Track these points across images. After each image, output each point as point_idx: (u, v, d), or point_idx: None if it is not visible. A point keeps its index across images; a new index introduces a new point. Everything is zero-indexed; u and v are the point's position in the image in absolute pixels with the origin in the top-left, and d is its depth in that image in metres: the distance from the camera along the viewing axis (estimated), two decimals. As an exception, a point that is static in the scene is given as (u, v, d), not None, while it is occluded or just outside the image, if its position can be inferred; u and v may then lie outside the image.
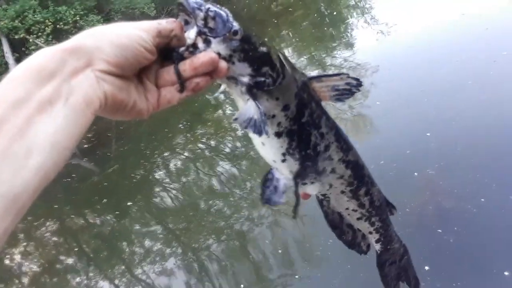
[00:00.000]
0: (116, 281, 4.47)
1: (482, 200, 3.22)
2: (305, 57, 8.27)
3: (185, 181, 5.90)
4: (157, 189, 5.93)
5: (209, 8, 0.60)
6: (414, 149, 3.99)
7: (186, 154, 6.60)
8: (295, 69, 0.71)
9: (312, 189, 0.81)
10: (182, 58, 0.59)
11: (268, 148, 0.73)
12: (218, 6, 0.62)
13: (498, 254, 2.81)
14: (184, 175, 6.04)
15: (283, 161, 0.74)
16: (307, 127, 0.72)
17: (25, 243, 5.49)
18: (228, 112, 7.35)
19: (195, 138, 7.04)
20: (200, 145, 6.75)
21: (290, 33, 10.12)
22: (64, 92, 0.46)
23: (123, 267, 4.69)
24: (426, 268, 2.80)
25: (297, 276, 3.40)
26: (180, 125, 7.80)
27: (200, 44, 0.59)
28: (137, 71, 0.55)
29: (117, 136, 7.60)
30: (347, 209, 0.89)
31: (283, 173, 0.77)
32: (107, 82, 0.50)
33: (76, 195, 6.17)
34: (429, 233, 3.02)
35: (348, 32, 8.96)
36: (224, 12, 0.61)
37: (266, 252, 3.79)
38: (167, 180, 6.13)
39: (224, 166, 5.69)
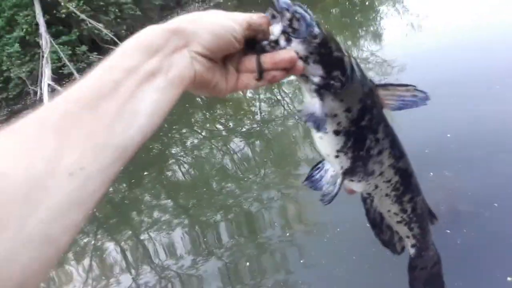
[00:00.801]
0: (123, 244, 4.60)
1: (495, 205, 3.19)
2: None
3: (199, 157, 5.96)
4: (171, 164, 6.01)
5: (296, 10, 0.65)
6: (433, 149, 3.95)
7: (204, 132, 6.65)
8: (364, 75, 0.75)
9: (358, 187, 0.86)
10: (263, 50, 0.65)
11: (325, 143, 0.78)
12: (304, 8, 0.67)
13: (503, 259, 2.80)
14: (199, 152, 6.10)
15: (336, 157, 0.79)
16: (364, 130, 0.77)
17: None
18: (249, 95, 7.34)
19: (214, 118, 7.08)
20: (218, 124, 6.79)
21: (320, 20, 9.97)
22: (165, 66, 0.53)
23: (130, 232, 4.81)
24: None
25: (302, 261, 3.44)
26: (200, 101, 7.84)
27: (282, 42, 0.65)
28: (223, 56, 0.62)
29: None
30: (389, 211, 0.93)
31: (334, 167, 0.83)
32: (199, 62, 0.57)
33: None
34: (437, 232, 2.97)
35: (378, 24, 8.79)
36: (308, 15, 0.66)
37: (272, 234, 3.84)
38: (183, 155, 6.21)
39: (240, 147, 5.72)
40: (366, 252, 3.09)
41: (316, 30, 0.66)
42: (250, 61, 0.65)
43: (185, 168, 5.93)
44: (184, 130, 6.94)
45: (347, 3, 11.15)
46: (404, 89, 0.76)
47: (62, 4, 10.95)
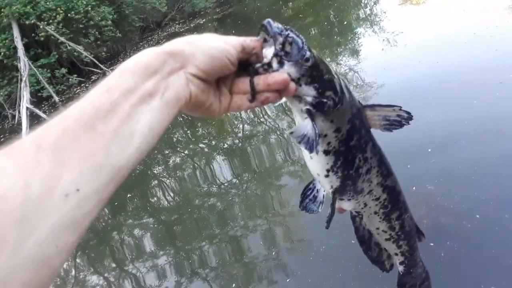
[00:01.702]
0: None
1: (477, 216, 3.24)
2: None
3: (182, 176, 5.91)
4: (155, 185, 5.94)
5: (288, 34, 0.68)
6: (414, 163, 4.01)
7: (186, 151, 6.60)
8: (353, 96, 0.78)
9: (348, 205, 0.88)
10: (257, 73, 0.66)
11: (315, 163, 0.81)
12: (296, 33, 0.69)
13: (487, 270, 2.84)
14: (182, 171, 6.05)
15: (326, 176, 0.81)
16: (353, 150, 0.79)
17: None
18: (230, 114, 7.35)
19: (196, 137, 7.06)
20: (200, 142, 6.76)
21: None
22: (161, 88, 0.54)
23: (113, 257, 4.70)
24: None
25: (288, 280, 3.41)
26: (181, 119, 7.82)
27: (275, 64, 0.67)
28: (217, 78, 0.64)
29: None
30: (377, 228, 0.95)
31: (324, 186, 0.85)
32: (194, 84, 0.59)
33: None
34: (421, 246, 3.03)
35: (356, 42, 8.98)
36: (300, 40, 0.69)
37: (258, 253, 3.80)
38: (166, 175, 6.14)
39: (222, 165, 5.70)
40: (352, 269, 3.09)
41: (308, 53, 0.68)
42: (243, 83, 0.67)
43: (168, 188, 5.86)
44: (166, 151, 6.89)
45: (325, 23, 11.39)
46: (390, 110, 0.79)
47: (41, 27, 10.89)
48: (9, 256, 0.38)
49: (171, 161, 6.49)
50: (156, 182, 6.02)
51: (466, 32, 6.67)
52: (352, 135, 0.78)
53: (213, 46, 0.61)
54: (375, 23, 9.87)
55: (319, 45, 9.51)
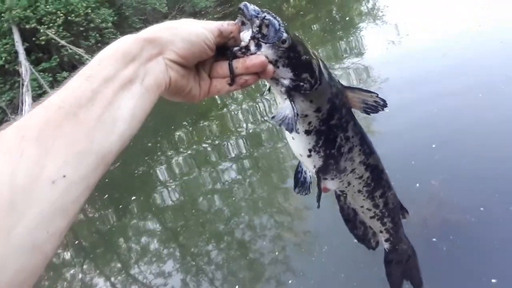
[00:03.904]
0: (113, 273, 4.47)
1: (482, 209, 3.22)
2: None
3: (186, 177, 5.89)
4: (159, 187, 5.92)
5: (265, 16, 0.69)
6: (418, 160, 3.96)
7: (190, 152, 6.58)
8: (332, 77, 0.79)
9: (332, 184, 0.90)
10: (235, 56, 0.67)
11: (297, 143, 0.82)
12: (273, 15, 0.70)
13: (489, 262, 2.82)
14: (187, 173, 6.03)
15: (309, 156, 0.83)
16: (334, 129, 0.81)
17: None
18: (233, 113, 7.33)
19: (200, 136, 7.03)
20: (204, 143, 6.74)
21: (301, 36, 10.08)
22: (141, 74, 0.55)
23: (119, 260, 4.69)
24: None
25: (290, 282, 3.38)
26: (185, 122, 7.80)
27: (252, 47, 0.68)
28: (196, 63, 0.65)
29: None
30: (361, 207, 0.97)
31: (308, 167, 0.87)
32: (173, 69, 0.60)
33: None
34: (424, 242, 3.05)
35: (359, 39, 8.91)
36: (277, 21, 0.70)
37: (261, 254, 3.78)
38: (170, 177, 6.12)
39: (228, 165, 5.67)
40: (354, 269, 3.07)
41: (285, 35, 0.69)
42: (222, 67, 0.68)
43: (172, 190, 5.83)
44: (170, 152, 6.87)
45: (327, 19, 11.32)
46: (368, 95, 0.81)
47: (41, 31, 10.89)
48: (0, 243, 0.39)
49: (173, 161, 6.46)
50: (159, 183, 6.00)
51: (471, 24, 6.59)
52: (333, 114, 0.79)
53: (191, 31, 0.61)
54: (378, 17, 9.80)
55: (322, 41, 9.45)
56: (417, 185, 3.61)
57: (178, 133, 7.44)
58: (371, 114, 0.82)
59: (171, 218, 5.26)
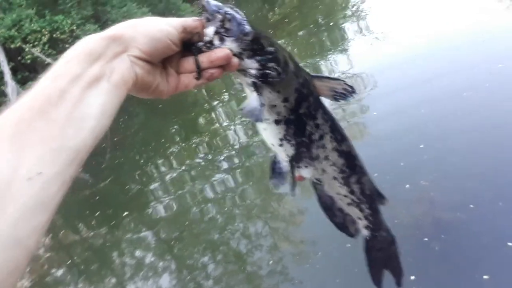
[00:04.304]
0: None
1: (471, 206, 3.26)
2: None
3: (179, 192, 5.86)
4: (151, 201, 5.88)
5: (226, 11, 0.70)
6: (407, 161, 3.99)
7: (182, 166, 6.55)
8: (299, 67, 0.80)
9: (306, 172, 0.91)
10: (200, 51, 0.69)
11: (268, 133, 0.84)
12: (235, 9, 0.72)
13: (480, 259, 2.85)
14: (179, 186, 6.00)
15: (280, 145, 0.85)
16: (303, 117, 0.82)
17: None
18: (224, 124, 7.33)
19: (191, 150, 7.02)
20: (196, 156, 6.72)
21: (287, 43, 10.14)
22: (107, 72, 0.56)
23: (113, 277, 4.64)
24: (412, 277, 2.82)
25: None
26: (176, 135, 7.78)
27: (216, 41, 0.70)
28: (162, 59, 0.66)
29: (112, 147, 7.56)
30: (338, 194, 0.97)
31: (281, 156, 0.88)
32: (139, 66, 0.61)
33: (69, 207, 6.11)
34: (416, 243, 3.07)
35: (345, 42, 8.99)
36: (239, 15, 0.71)
37: (255, 264, 3.76)
38: (162, 191, 6.09)
39: (220, 176, 5.65)
40: (349, 274, 3.06)
41: (247, 28, 0.71)
42: (189, 62, 0.70)
43: (165, 204, 5.80)
44: (162, 166, 6.83)
45: (311, 26, 11.40)
46: (336, 82, 0.83)
47: (27, 50, 10.85)
48: None
49: (165, 175, 6.43)
50: (151, 198, 5.96)
51: (453, 24, 6.69)
52: (301, 103, 0.80)
53: (154, 28, 0.63)
54: (363, 21, 9.90)
55: (309, 48, 9.52)
56: (407, 186, 3.64)
57: (169, 146, 7.42)
58: (341, 101, 0.84)
59: (164, 231, 5.22)
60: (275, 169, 0.90)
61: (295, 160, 0.87)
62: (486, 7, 6.86)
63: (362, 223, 1.04)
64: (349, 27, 9.93)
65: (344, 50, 8.54)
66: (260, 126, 0.84)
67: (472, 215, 3.18)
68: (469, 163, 3.70)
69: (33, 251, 0.45)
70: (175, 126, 8.05)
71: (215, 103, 8.18)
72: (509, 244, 2.85)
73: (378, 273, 1.11)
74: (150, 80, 0.64)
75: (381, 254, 1.11)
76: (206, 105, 8.53)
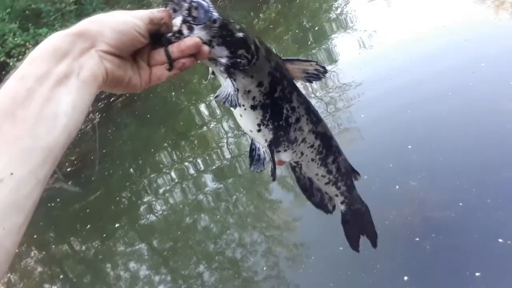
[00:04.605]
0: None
1: (460, 204, 3.29)
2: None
3: (171, 201, 5.82)
4: (143, 212, 5.83)
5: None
6: (396, 162, 4.03)
7: (173, 175, 6.52)
8: (270, 51, 0.81)
9: (285, 156, 0.92)
10: (170, 42, 0.69)
11: (245, 119, 0.84)
12: None
13: (471, 256, 2.89)
14: (170, 195, 5.96)
15: (259, 131, 0.85)
16: (279, 101, 0.83)
17: (8, 273, 5.33)
18: (214, 130, 7.32)
19: (181, 159, 6.99)
20: (186, 165, 6.69)
21: (273, 49, 10.18)
22: (75, 68, 0.55)
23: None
24: (405, 278, 2.84)
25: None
26: (166, 144, 7.74)
27: (185, 31, 0.69)
28: (132, 52, 0.65)
29: (101, 159, 7.50)
30: (316, 174, 1.00)
31: (259, 141, 0.89)
32: (108, 60, 0.60)
33: (59, 222, 6.05)
34: (407, 243, 3.10)
35: (331, 46, 9.06)
36: (205, 2, 0.70)
37: (249, 267, 3.75)
38: (153, 201, 6.05)
39: (211, 185, 5.64)
40: (343, 277, 3.08)
41: (215, 15, 0.70)
42: (159, 54, 0.69)
43: (157, 213, 5.76)
44: (152, 176, 6.79)
45: (297, 30, 11.47)
46: (308, 64, 0.84)
47: (11, 64, 10.74)
48: None
49: (155, 185, 6.39)
50: (142, 208, 5.91)
51: (436, 24, 6.77)
52: (275, 87, 0.81)
53: (120, 21, 0.62)
54: (348, 24, 9.97)
55: (295, 51, 9.56)
56: (397, 187, 3.67)
57: (158, 156, 7.37)
58: (313, 82, 0.85)
59: (157, 241, 5.18)
60: (253, 156, 0.90)
61: (274, 145, 0.88)
62: (468, 6, 6.97)
63: (339, 199, 1.09)
64: (334, 29, 10.00)
65: (329, 54, 8.60)
66: (236, 112, 0.84)
67: (461, 213, 3.22)
68: (457, 161, 3.74)
69: (12, 252, 0.45)
70: (164, 135, 8.01)
71: (204, 110, 8.16)
72: (500, 240, 2.88)
73: (355, 239, 1.18)
74: (121, 74, 0.63)
75: (357, 223, 1.17)
76: (194, 112, 8.51)
